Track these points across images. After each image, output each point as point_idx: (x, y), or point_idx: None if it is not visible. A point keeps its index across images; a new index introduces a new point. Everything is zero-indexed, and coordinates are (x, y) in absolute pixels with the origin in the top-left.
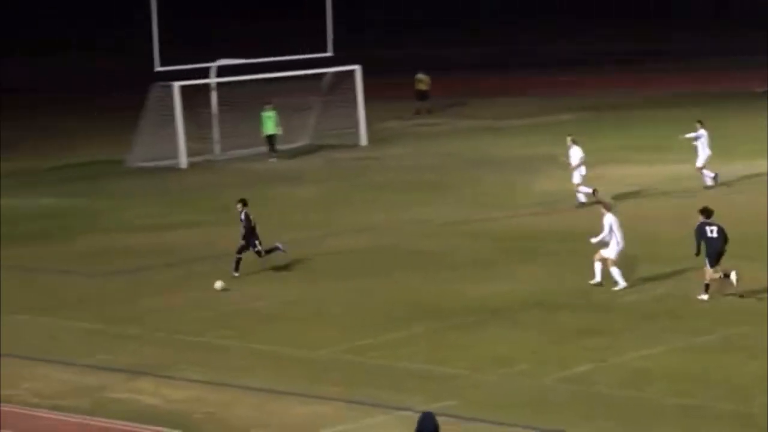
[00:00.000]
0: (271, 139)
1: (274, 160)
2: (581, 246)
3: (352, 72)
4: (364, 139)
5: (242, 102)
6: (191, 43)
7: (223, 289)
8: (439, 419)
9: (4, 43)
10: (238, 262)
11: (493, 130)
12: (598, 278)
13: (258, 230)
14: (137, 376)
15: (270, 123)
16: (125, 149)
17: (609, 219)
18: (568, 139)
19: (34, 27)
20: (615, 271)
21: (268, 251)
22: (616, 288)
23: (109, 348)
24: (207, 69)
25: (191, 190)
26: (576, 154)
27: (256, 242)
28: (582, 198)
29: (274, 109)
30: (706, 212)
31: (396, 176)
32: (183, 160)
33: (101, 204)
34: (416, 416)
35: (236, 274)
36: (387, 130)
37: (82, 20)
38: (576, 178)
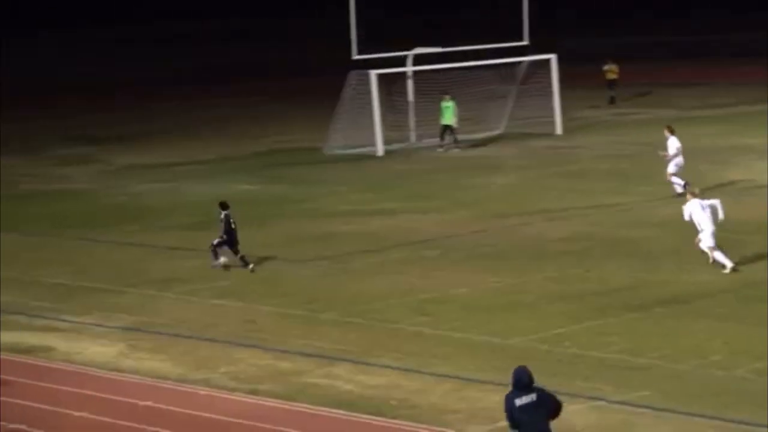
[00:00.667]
0: (446, 130)
1: (441, 150)
2: None
3: (547, 61)
4: (559, 128)
5: (437, 90)
6: (386, 32)
7: (225, 266)
8: (633, 409)
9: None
10: (215, 252)
11: (689, 119)
12: (728, 265)
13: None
14: (333, 362)
15: (448, 113)
16: (320, 136)
17: (688, 207)
18: (665, 130)
19: None
20: (717, 255)
21: (243, 258)
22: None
23: (306, 333)
24: (403, 57)
25: (388, 177)
26: (673, 144)
27: (237, 246)
28: (678, 189)
29: (452, 99)
30: None
31: (591, 165)
32: (379, 148)
33: (300, 191)
34: (610, 406)
35: (222, 260)
36: (582, 119)
37: None
38: (671, 168)
